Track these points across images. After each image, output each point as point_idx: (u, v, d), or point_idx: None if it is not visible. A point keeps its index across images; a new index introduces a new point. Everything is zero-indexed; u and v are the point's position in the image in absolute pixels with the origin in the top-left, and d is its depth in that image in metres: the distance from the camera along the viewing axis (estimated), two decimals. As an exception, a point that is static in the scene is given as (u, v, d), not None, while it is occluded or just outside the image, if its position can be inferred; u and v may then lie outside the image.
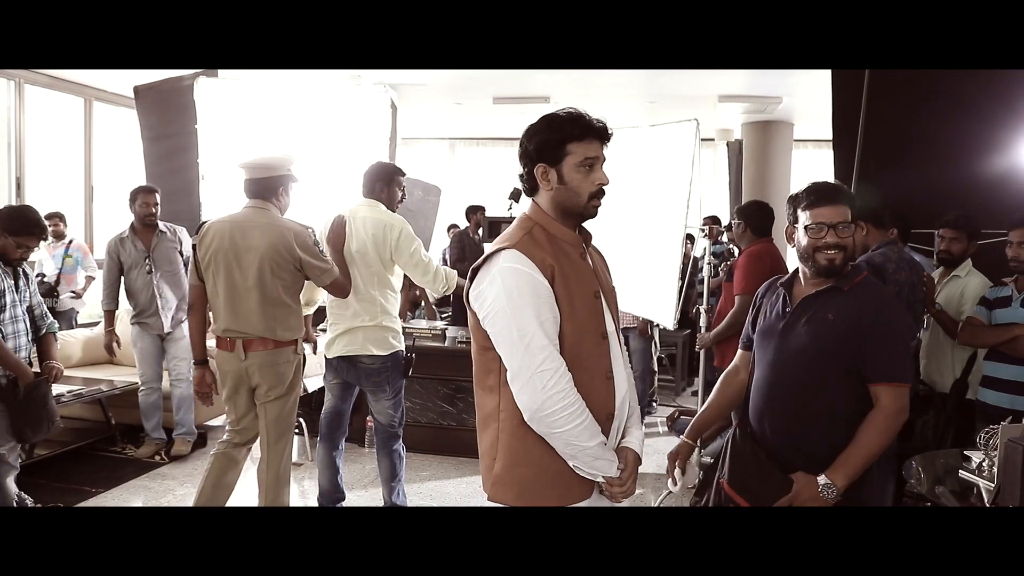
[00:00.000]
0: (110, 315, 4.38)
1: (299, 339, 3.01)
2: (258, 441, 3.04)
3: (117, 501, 3.69)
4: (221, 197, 4.42)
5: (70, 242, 5.90)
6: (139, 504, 3.74)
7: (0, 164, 6.24)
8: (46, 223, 3.30)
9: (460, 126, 10.10)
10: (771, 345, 1.94)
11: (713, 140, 10.12)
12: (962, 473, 2.31)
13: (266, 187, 2.92)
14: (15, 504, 3.19)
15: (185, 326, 4.26)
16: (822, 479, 1.78)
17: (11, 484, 3.18)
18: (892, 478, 2.44)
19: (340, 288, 3.05)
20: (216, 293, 2.88)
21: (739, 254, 3.88)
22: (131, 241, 4.30)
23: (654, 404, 6.03)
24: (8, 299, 3.10)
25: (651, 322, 5.33)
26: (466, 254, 6.85)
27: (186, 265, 4.35)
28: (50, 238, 5.94)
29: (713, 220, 6.79)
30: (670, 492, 2.16)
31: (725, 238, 5.71)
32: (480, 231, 7.01)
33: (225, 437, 3.05)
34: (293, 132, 4.84)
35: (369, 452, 4.69)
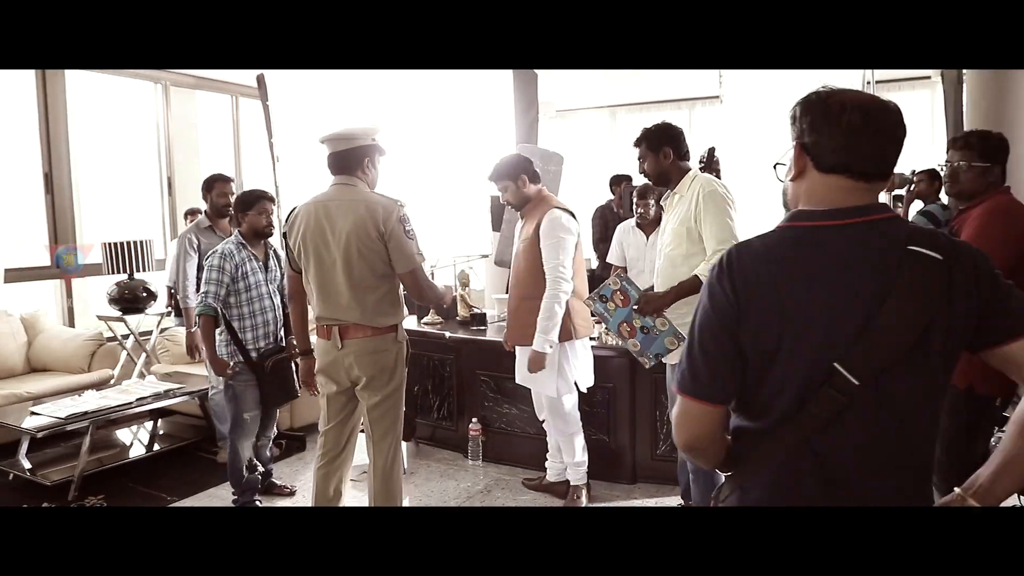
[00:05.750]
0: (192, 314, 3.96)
1: (399, 324, 2.76)
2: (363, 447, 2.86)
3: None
4: (296, 181, 4.02)
5: None
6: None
7: (151, 165, 6.48)
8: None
9: (619, 91, 9.23)
10: None
11: (929, 79, 8.25)
12: None
13: (349, 159, 2.65)
14: (246, 468, 3.33)
15: None
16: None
17: (247, 448, 3.33)
18: None
19: (418, 280, 2.68)
20: (308, 280, 2.72)
21: (959, 211, 2.62)
22: (214, 233, 4.02)
23: None
24: (252, 280, 3.24)
25: None
26: (609, 233, 5.95)
27: None
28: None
29: (931, 175, 5.31)
30: None
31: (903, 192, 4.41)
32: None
33: (318, 451, 2.87)
34: (391, 109, 4.35)
35: (473, 466, 4.09)
